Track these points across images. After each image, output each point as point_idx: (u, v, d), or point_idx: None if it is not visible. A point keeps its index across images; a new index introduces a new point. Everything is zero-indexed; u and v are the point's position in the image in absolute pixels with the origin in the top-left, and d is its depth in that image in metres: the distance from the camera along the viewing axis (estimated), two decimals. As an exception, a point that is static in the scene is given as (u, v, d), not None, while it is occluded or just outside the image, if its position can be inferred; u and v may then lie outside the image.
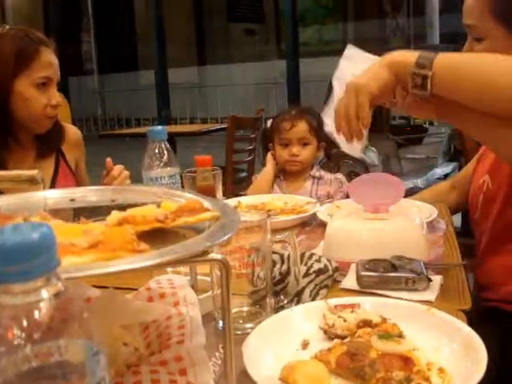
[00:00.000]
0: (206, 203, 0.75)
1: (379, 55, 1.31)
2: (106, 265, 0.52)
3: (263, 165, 2.43)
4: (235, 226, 0.64)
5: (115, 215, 0.65)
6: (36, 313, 0.41)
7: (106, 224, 0.65)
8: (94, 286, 0.83)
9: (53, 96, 1.75)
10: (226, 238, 0.59)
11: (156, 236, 0.65)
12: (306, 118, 2.30)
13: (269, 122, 2.43)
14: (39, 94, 1.72)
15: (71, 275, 0.51)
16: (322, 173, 2.36)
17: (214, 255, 0.58)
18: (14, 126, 1.76)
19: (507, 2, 1.36)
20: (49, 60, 1.73)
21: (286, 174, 2.34)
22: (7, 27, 1.75)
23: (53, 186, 1.82)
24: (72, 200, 0.88)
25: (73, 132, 2.00)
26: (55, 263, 0.41)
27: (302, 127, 2.28)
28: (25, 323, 0.41)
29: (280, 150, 2.31)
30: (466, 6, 1.44)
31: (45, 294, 0.41)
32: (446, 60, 1.18)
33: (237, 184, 3.76)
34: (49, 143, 1.87)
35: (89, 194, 0.89)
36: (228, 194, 3.41)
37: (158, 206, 0.71)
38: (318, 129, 2.28)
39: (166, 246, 0.58)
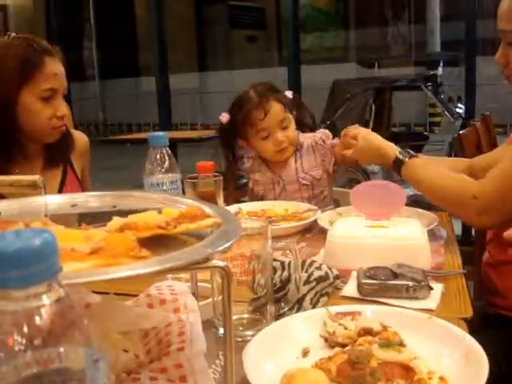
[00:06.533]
0: (208, 209, 0.75)
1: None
2: (107, 271, 0.52)
3: (226, 169, 2.12)
4: (237, 233, 0.63)
5: (116, 221, 0.65)
6: (37, 319, 0.41)
7: (108, 230, 0.65)
8: (94, 292, 0.83)
9: (59, 107, 1.71)
10: (227, 245, 0.59)
11: (157, 242, 0.65)
12: (275, 97, 1.99)
13: (223, 118, 2.06)
14: (44, 107, 1.68)
15: (72, 281, 0.51)
16: (301, 139, 2.07)
17: (215, 262, 0.58)
18: (21, 138, 1.73)
19: None
20: (54, 70, 1.68)
21: (268, 163, 2.08)
22: (12, 35, 1.70)
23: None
24: (73, 205, 0.88)
25: (81, 139, 1.96)
26: (57, 269, 0.41)
27: (276, 109, 1.97)
28: (25, 329, 0.40)
29: (262, 144, 2.00)
30: (501, 11, 1.48)
31: (46, 300, 0.41)
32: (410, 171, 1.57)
33: (238, 190, 3.75)
34: (57, 153, 1.84)
35: (90, 200, 0.88)
36: (229, 200, 3.40)
37: (159, 212, 0.71)
38: (287, 102, 2.01)
39: (168, 253, 0.57)
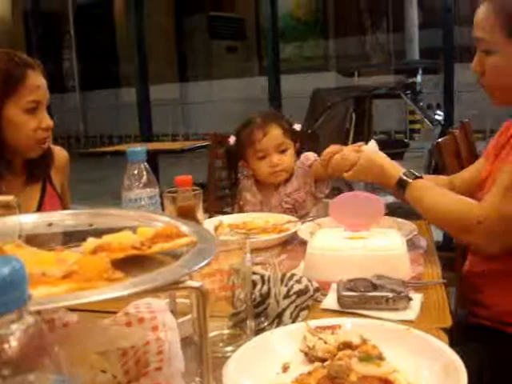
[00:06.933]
0: (184, 227, 0.74)
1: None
2: (79, 295, 0.51)
3: (232, 186, 2.24)
4: (212, 252, 0.63)
5: (91, 242, 0.64)
6: (6, 347, 0.41)
7: (82, 251, 0.65)
8: (72, 310, 0.82)
9: (43, 119, 1.71)
10: (202, 264, 0.59)
11: (132, 262, 0.64)
12: (277, 122, 2.08)
13: (231, 139, 2.16)
14: (29, 119, 1.68)
15: (43, 307, 0.50)
16: None
17: (190, 283, 0.58)
18: (6, 152, 1.72)
19: None
20: (36, 83, 1.69)
21: (260, 186, 2.14)
22: None
23: (39, 211, 1.79)
24: (49, 224, 0.87)
25: (61, 155, 1.96)
26: (25, 298, 0.41)
27: (275, 133, 2.05)
28: (-6, 359, 0.40)
29: (258, 164, 2.07)
30: (477, 19, 1.46)
31: (15, 328, 0.41)
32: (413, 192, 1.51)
33: (219, 200, 3.75)
34: (38, 168, 1.83)
35: (66, 218, 0.88)
36: (211, 210, 3.39)
37: (135, 231, 0.70)
38: (290, 130, 2.10)
39: (142, 274, 0.57)
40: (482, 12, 1.44)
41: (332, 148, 1.80)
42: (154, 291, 0.56)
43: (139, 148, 1.35)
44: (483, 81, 1.50)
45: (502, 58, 1.41)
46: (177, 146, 5.41)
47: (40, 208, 1.82)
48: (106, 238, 0.66)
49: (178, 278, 0.55)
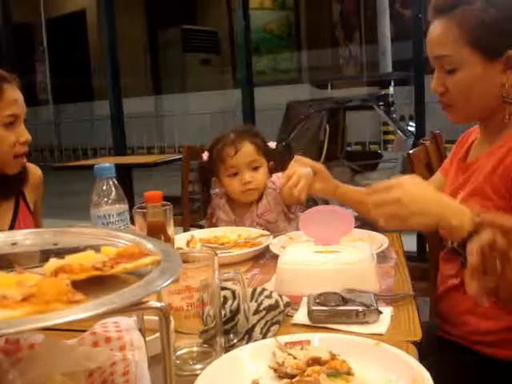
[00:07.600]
0: (149, 245, 0.74)
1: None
2: (38, 319, 0.50)
3: (205, 203, 2.19)
4: (176, 271, 0.63)
5: (52, 263, 0.64)
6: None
7: (43, 272, 0.64)
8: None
9: (21, 133, 1.70)
10: (164, 285, 0.58)
11: (95, 283, 0.64)
12: (250, 139, 2.03)
13: (204, 155, 2.12)
14: (7, 133, 1.66)
15: (1, 331, 0.49)
16: None
17: (152, 303, 0.57)
18: None
19: (485, 30, 1.33)
20: (13, 97, 1.67)
21: (233, 205, 2.11)
22: None
23: (11, 229, 1.76)
24: (13, 244, 0.86)
25: (34, 172, 1.94)
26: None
27: (247, 149, 2.01)
28: None
29: (229, 181, 2.04)
30: (434, 36, 1.40)
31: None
32: None
33: (193, 214, 3.75)
34: (11, 184, 1.81)
35: (30, 237, 0.87)
36: (185, 224, 3.39)
37: (98, 250, 0.70)
38: (264, 147, 2.07)
39: (104, 295, 0.56)
40: (438, 29, 1.38)
41: (288, 171, 1.79)
42: (116, 312, 0.55)
43: (107, 164, 1.34)
44: (446, 99, 1.44)
45: (470, 72, 1.36)
46: (150, 159, 5.39)
47: (13, 224, 1.80)
48: (68, 259, 0.65)
49: (138, 299, 0.55)
